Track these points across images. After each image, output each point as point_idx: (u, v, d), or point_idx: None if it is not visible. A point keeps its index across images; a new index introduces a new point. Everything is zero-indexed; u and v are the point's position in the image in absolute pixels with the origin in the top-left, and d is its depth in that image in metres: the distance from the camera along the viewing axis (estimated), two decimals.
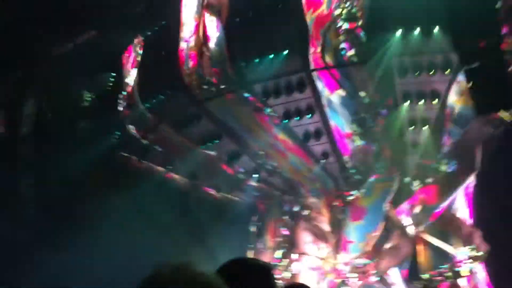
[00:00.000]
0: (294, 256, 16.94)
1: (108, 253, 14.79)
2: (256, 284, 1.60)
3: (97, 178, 16.44)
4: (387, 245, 15.75)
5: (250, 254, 19.32)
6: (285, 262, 17.29)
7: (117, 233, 15.30)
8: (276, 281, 1.67)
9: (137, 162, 18.85)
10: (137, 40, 17.43)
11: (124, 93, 18.06)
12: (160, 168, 18.72)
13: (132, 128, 17.99)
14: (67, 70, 16.72)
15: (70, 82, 17.67)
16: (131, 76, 17.80)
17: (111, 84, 18.32)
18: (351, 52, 14.32)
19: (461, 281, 15.20)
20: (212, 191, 19.77)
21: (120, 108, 18.27)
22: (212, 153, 17.60)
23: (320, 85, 15.02)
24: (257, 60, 14.84)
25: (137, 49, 17.81)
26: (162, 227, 16.37)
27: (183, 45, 16.26)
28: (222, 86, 15.57)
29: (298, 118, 15.55)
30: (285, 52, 14.62)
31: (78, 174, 15.99)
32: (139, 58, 17.44)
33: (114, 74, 17.96)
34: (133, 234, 15.65)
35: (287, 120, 15.71)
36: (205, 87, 15.79)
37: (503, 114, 14.18)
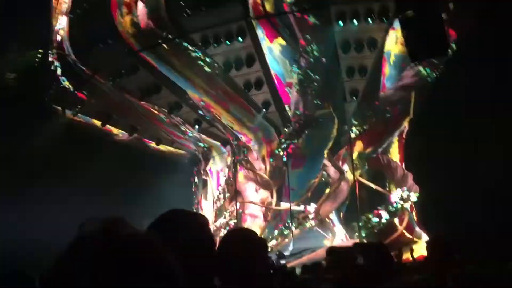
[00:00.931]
0: (237, 204, 17.26)
1: (49, 209, 14.48)
2: (192, 235, 1.60)
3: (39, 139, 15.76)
4: (327, 191, 16.34)
5: (193, 205, 19.53)
6: (229, 210, 17.61)
7: (57, 189, 14.93)
8: (212, 232, 1.72)
9: (73, 115, 18.16)
10: None
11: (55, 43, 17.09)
12: (97, 122, 18.16)
13: (64, 80, 17.18)
14: None
15: None
16: (61, 24, 16.81)
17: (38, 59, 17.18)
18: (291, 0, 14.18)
19: (395, 220, 16.15)
20: (153, 144, 19.52)
21: (51, 59, 17.32)
22: (152, 104, 17.23)
23: (260, 33, 14.84)
24: (195, 8, 14.34)
25: None
26: (102, 182, 16.08)
27: None
28: (159, 35, 15.03)
29: (239, 67, 15.40)
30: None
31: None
32: (69, 5, 16.43)
33: (41, 51, 16.82)
34: (72, 189, 15.30)
35: (227, 69, 15.51)
36: (141, 36, 15.19)
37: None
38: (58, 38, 16.87)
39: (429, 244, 3.56)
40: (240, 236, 2.17)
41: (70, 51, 16.39)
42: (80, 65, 16.44)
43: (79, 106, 17.60)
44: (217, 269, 2.07)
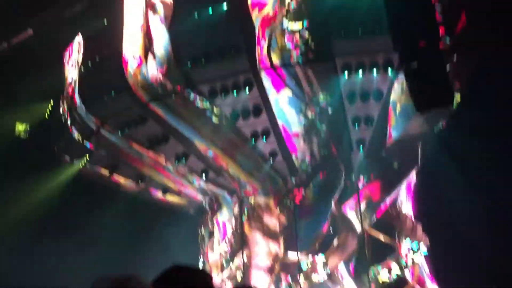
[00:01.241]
0: (244, 255, 16.96)
1: (58, 261, 14.34)
2: None
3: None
4: (335, 242, 16.07)
5: (199, 256, 19.21)
6: (235, 262, 17.29)
7: (64, 240, 14.83)
8: (220, 284, 1.67)
9: (84, 166, 18.27)
10: (78, 39, 16.89)
11: (66, 94, 17.46)
12: (105, 172, 18.23)
13: (74, 131, 17.41)
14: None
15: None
16: (72, 76, 17.22)
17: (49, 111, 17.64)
18: (297, 52, 14.49)
19: (405, 273, 15.76)
20: (159, 193, 19.46)
21: (62, 111, 17.63)
22: (160, 154, 17.33)
23: (267, 84, 15.09)
24: (203, 61, 14.69)
25: (78, 47, 17.24)
26: (110, 233, 15.96)
27: (126, 45, 15.88)
28: (168, 87, 15.33)
29: (246, 117, 15.56)
30: (232, 51, 14.57)
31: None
32: (80, 58, 16.89)
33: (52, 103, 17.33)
34: (80, 240, 15.19)
35: (235, 120, 15.67)
36: (150, 87, 15.49)
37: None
38: (69, 90, 17.27)
39: None
40: None
41: (80, 102, 16.70)
42: (89, 116, 16.69)
43: (88, 156, 17.75)
44: None
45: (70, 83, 17.20)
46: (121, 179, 18.75)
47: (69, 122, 17.25)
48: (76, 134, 17.37)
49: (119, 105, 15.95)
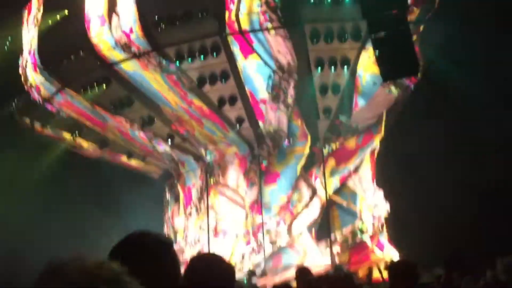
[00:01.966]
0: (210, 220, 17.08)
1: (16, 225, 14.07)
2: (156, 262, 1.55)
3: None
4: (299, 207, 16.36)
5: (164, 221, 19.26)
6: (201, 226, 17.40)
7: (24, 204, 14.52)
8: (177, 255, 1.65)
9: (41, 128, 17.78)
10: None
11: (25, 54, 16.79)
12: (66, 135, 17.82)
13: (34, 92, 16.85)
14: None
15: None
16: (32, 35, 16.53)
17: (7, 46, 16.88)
18: (265, 17, 14.27)
19: (365, 238, 16.25)
20: (124, 158, 19.23)
21: (21, 70, 16.99)
22: (123, 118, 17.02)
23: (235, 50, 14.88)
24: (170, 23, 14.29)
25: (38, 5, 16.49)
26: (71, 198, 15.74)
27: (89, 3, 15.29)
28: (133, 49, 14.91)
29: (213, 83, 15.37)
30: (200, 15, 14.22)
31: None
32: (39, 16, 16.18)
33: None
34: (40, 205, 14.90)
35: (201, 85, 15.45)
36: (114, 49, 15.03)
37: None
38: (29, 49, 16.59)
39: (389, 269, 3.56)
40: (206, 263, 2.12)
41: (40, 62, 16.10)
42: (50, 76, 16.14)
43: (49, 119, 17.27)
44: None
45: (30, 42, 16.52)
46: (84, 143, 18.40)
47: (28, 83, 16.66)
48: (36, 96, 16.82)
49: (81, 67, 15.46)
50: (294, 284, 5.42)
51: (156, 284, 1.46)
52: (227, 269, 2.07)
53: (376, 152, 17.39)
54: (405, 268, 3.47)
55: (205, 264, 2.07)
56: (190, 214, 18.04)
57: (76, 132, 17.68)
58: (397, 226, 16.14)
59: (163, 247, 1.62)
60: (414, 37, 11.92)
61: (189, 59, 14.82)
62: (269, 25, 14.29)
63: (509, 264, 3.82)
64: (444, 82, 14.25)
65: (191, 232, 17.67)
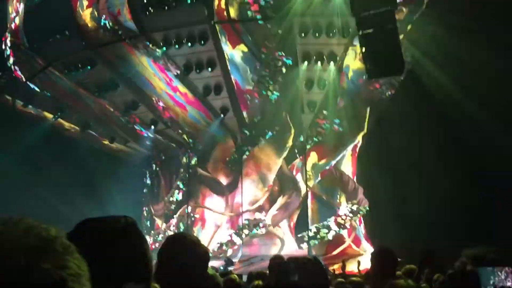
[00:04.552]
0: (189, 207, 17.08)
1: None
2: (115, 242, 1.46)
3: None
4: (280, 199, 16.44)
5: (143, 206, 19.20)
6: (180, 213, 17.39)
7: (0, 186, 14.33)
8: (142, 237, 1.52)
9: (22, 107, 17.52)
10: None
11: (9, 31, 16.47)
12: (48, 114, 17.59)
13: (17, 70, 16.57)
14: None
15: None
16: (18, 12, 16.21)
17: None
18: (255, 7, 14.23)
19: (343, 233, 16.44)
20: (106, 141, 19.06)
21: (4, 47, 16.67)
22: (107, 101, 16.86)
23: (222, 38, 14.81)
24: (158, 7, 14.16)
25: None
26: (50, 179, 15.56)
27: None
28: (120, 32, 14.74)
29: (199, 70, 15.30)
30: (189, 1, 14.11)
31: None
32: None
33: None
34: (17, 186, 14.71)
35: (187, 72, 15.37)
36: (101, 31, 14.85)
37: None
38: (13, 25, 16.28)
39: (373, 256, 3.65)
40: (179, 243, 2.12)
41: (24, 40, 15.82)
42: (34, 55, 15.89)
43: (30, 97, 17.02)
44: (156, 276, 2.02)
45: (14, 18, 16.21)
46: (66, 124, 18.20)
47: (11, 60, 16.37)
48: (19, 74, 16.54)
49: (67, 46, 15.25)
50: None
51: (110, 269, 1.38)
52: (201, 251, 2.09)
53: (357, 148, 17.53)
54: (388, 254, 3.55)
55: (179, 246, 2.07)
56: (170, 201, 18.01)
57: (58, 112, 17.46)
58: (374, 222, 16.37)
59: (115, 232, 1.51)
60: (401, 36, 12.04)
61: (176, 45, 14.73)
62: (259, 16, 14.26)
63: (472, 255, 3.95)
64: (428, 81, 14.43)
65: (170, 219, 17.64)
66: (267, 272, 6.24)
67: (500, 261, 3.92)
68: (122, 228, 1.46)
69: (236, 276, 4.94)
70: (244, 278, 8.12)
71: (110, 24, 14.61)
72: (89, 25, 14.82)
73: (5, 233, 0.76)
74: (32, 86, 16.92)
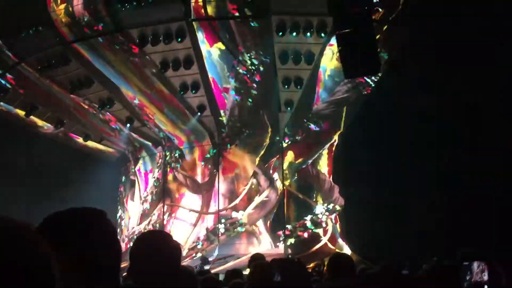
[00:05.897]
0: (165, 206, 16.95)
1: None
2: (88, 231, 1.44)
3: None
4: (256, 198, 16.45)
5: (118, 205, 18.97)
6: (155, 212, 17.25)
7: None
8: (112, 226, 1.50)
9: None
10: None
11: None
12: (20, 112, 17.20)
13: None
14: None
15: None
16: None
17: None
18: (232, 5, 14.18)
19: (319, 231, 16.54)
20: (80, 139, 18.75)
21: None
22: (82, 98, 16.59)
23: (200, 36, 14.72)
24: (134, 3, 13.97)
25: None
26: (18, 177, 15.24)
27: None
28: (95, 27, 14.51)
29: (176, 68, 15.17)
30: None
31: None
32: None
33: None
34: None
35: (164, 70, 15.23)
36: (75, 26, 14.58)
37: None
38: None
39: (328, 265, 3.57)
40: (149, 238, 2.11)
41: None
42: (6, 50, 15.52)
43: (2, 94, 16.61)
44: (129, 273, 2.02)
45: None
46: (38, 122, 17.82)
47: None
48: None
49: (40, 42, 14.92)
50: (246, 271, 5.47)
51: (80, 257, 1.37)
52: (172, 246, 2.07)
53: (334, 147, 17.66)
54: (343, 260, 3.49)
55: (150, 242, 2.06)
56: (146, 199, 17.84)
57: (30, 110, 17.09)
58: (350, 221, 16.52)
59: (97, 216, 1.51)
60: (378, 37, 12.17)
61: (153, 42, 14.57)
62: (236, 14, 14.22)
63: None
64: (403, 81, 14.62)
65: (145, 218, 17.48)
66: (244, 270, 6.22)
67: (475, 256, 3.98)
68: (91, 217, 1.46)
69: (213, 275, 4.91)
70: (221, 277, 8.09)
71: (85, 19, 14.36)
72: (63, 20, 14.54)
73: None
74: (3, 82, 16.53)
